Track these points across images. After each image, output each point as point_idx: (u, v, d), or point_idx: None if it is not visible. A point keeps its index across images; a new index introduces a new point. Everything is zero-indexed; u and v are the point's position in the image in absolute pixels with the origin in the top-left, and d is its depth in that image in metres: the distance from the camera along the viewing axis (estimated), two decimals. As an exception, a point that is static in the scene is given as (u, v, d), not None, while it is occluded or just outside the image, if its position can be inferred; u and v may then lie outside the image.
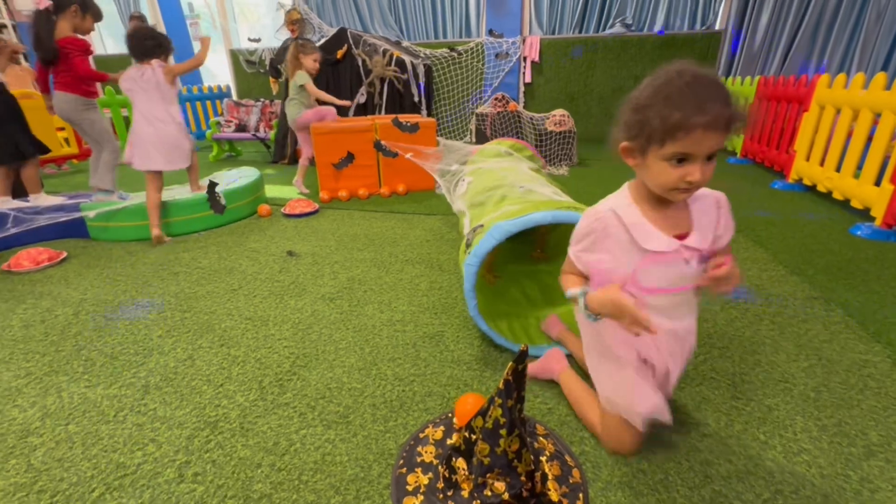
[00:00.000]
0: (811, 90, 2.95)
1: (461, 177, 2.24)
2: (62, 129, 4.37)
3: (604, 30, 5.02)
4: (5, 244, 2.18)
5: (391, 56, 3.95)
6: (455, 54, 5.11)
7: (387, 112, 4.06)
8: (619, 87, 5.10)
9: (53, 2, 2.15)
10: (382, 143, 2.98)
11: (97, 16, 2.36)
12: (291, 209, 2.68)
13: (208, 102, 5.78)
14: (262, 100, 4.69)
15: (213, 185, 2.44)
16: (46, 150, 2.61)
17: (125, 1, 6.02)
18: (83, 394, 1.16)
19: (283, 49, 4.16)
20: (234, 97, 6.22)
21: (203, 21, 6.14)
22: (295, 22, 3.93)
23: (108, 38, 6.83)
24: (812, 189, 2.95)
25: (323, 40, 4.13)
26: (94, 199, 2.42)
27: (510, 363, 0.73)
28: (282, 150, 4.26)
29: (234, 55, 6.00)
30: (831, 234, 2.21)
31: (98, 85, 5.05)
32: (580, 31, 5.09)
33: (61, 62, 2.24)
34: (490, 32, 5.06)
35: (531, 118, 4.13)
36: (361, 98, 4.10)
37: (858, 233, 2.20)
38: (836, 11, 4.37)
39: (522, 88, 5.26)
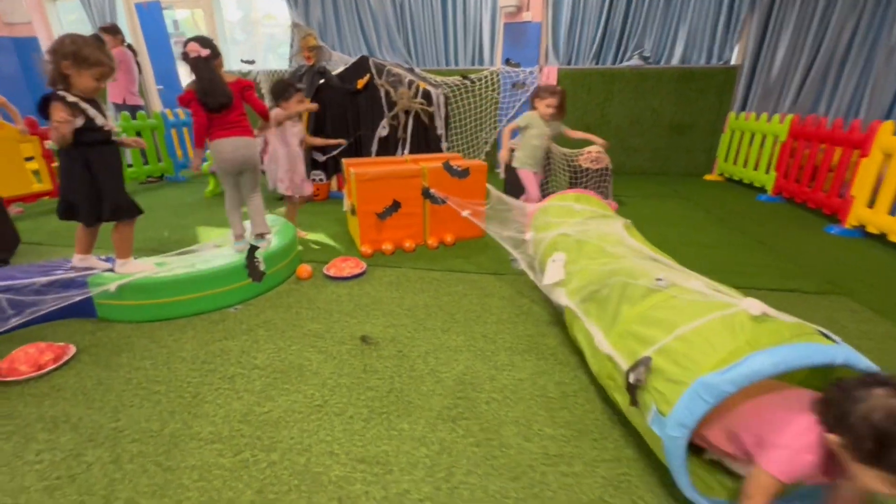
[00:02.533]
0: (871, 136, 2.88)
1: (542, 248, 1.96)
2: (31, 158, 3.79)
3: (621, 62, 4.94)
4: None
5: (417, 88, 3.67)
6: (468, 82, 4.89)
7: (412, 146, 3.76)
8: (637, 118, 5.02)
9: (210, 50, 2.08)
10: (431, 190, 2.66)
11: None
12: (338, 270, 2.31)
13: (196, 128, 5.29)
14: (265, 130, 4.27)
15: (253, 248, 2.05)
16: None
17: (100, 16, 5.46)
18: None
19: (298, 76, 3.79)
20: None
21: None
22: (312, 49, 3.58)
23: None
24: (876, 237, 2.86)
25: (340, 69, 3.80)
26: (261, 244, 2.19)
27: None
28: (291, 186, 3.85)
29: (225, 77, 5.53)
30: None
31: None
32: (597, 63, 4.99)
33: (234, 106, 2.13)
34: (507, 61, 4.87)
35: (564, 154, 3.93)
36: (383, 131, 3.78)
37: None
38: (848, 49, 4.46)
39: (538, 119, 5.08)
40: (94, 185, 1.77)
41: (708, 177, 5.02)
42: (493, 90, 5.01)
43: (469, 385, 1.46)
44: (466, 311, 1.97)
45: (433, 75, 4.64)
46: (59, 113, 1.60)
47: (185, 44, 2.11)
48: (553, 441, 1.23)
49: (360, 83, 3.69)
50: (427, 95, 3.69)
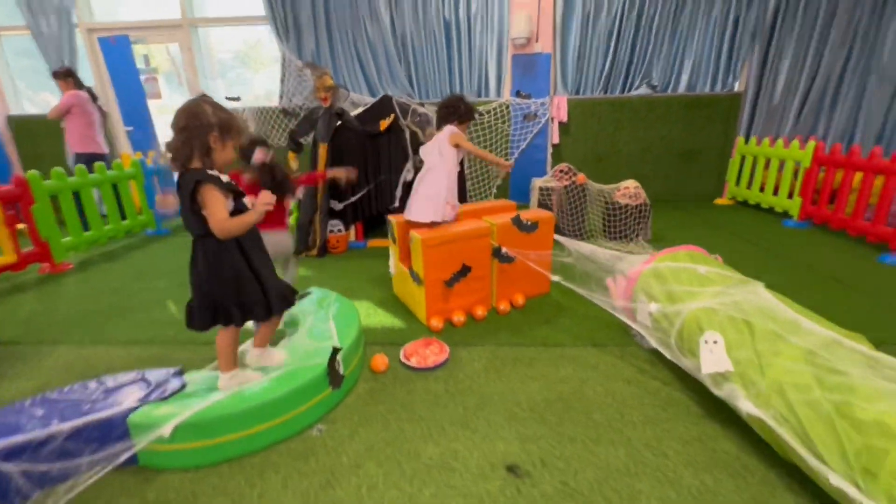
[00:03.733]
0: (920, 166, 2.88)
1: (679, 323, 1.69)
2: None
3: (630, 91, 4.90)
4: None
5: (446, 127, 3.39)
6: (477, 115, 4.66)
7: (440, 190, 3.45)
8: (647, 147, 4.97)
9: (268, 146, 2.04)
10: (503, 249, 2.36)
11: None
12: (421, 359, 1.94)
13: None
14: (268, 176, 3.82)
15: (335, 351, 1.65)
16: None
17: (56, 52, 4.83)
18: None
19: (310, 119, 3.41)
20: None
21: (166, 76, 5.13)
22: (329, 89, 3.23)
23: (26, 100, 5.48)
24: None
25: (359, 110, 3.46)
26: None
27: None
28: (306, 238, 3.43)
29: (206, 116, 5.01)
30: None
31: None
32: (605, 92, 4.93)
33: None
34: (517, 93, 4.71)
35: (600, 190, 3.76)
36: (409, 175, 3.45)
37: None
38: (842, 75, 4.63)
39: (550, 150, 4.94)
40: (255, 274, 1.48)
41: (719, 201, 5.03)
42: (504, 122, 4.82)
43: (684, 536, 1.15)
44: (600, 406, 1.66)
45: (426, 108, 4.39)
46: (266, 196, 1.42)
47: (248, 149, 1.95)
48: None
49: (384, 124, 3.36)
50: (456, 135, 3.42)
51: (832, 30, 4.47)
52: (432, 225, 2.35)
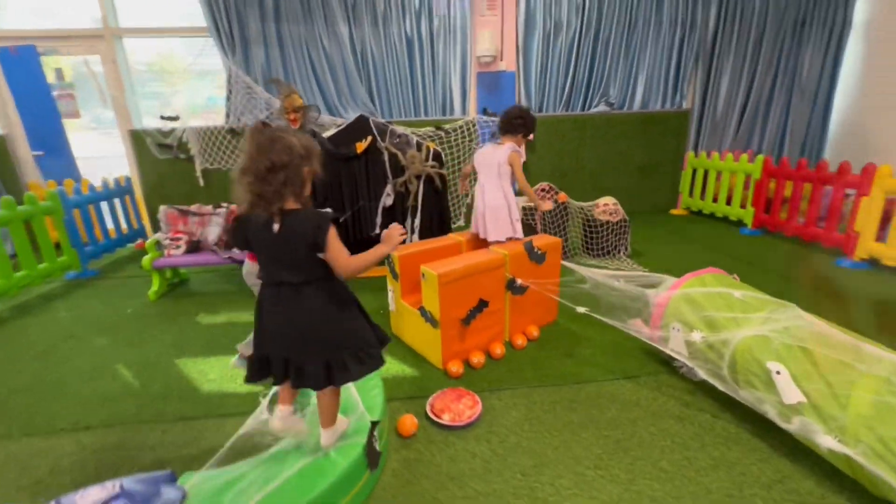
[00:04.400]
0: (868, 176, 3.16)
1: (729, 353, 1.63)
2: None
3: (589, 108, 5.03)
4: None
5: (427, 149, 3.19)
6: (442, 133, 4.54)
7: (422, 217, 3.23)
8: (608, 162, 5.12)
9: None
10: (517, 280, 2.20)
11: None
12: (456, 415, 1.70)
13: (104, 204, 4.08)
14: (224, 205, 3.38)
15: (374, 425, 1.38)
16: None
17: (-62, 64, 4.00)
18: None
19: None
20: (140, 192, 4.56)
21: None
22: (298, 109, 2.91)
23: None
24: (890, 269, 3.09)
25: (332, 131, 3.16)
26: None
27: None
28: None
29: (138, 137, 4.41)
30: None
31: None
32: (567, 110, 5.02)
33: None
34: (484, 111, 4.65)
35: (580, 207, 3.76)
36: (388, 200, 3.20)
37: None
38: (772, 92, 5.10)
39: (518, 167, 4.91)
40: (366, 317, 1.34)
41: (674, 211, 5.29)
42: (472, 141, 4.72)
43: None
44: (662, 451, 1.53)
45: (403, 127, 4.20)
46: (398, 228, 1.33)
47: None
48: None
49: (360, 146, 3.10)
50: (438, 156, 3.23)
51: (761, 52, 4.91)
52: (508, 241, 2.37)
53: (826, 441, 1.32)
